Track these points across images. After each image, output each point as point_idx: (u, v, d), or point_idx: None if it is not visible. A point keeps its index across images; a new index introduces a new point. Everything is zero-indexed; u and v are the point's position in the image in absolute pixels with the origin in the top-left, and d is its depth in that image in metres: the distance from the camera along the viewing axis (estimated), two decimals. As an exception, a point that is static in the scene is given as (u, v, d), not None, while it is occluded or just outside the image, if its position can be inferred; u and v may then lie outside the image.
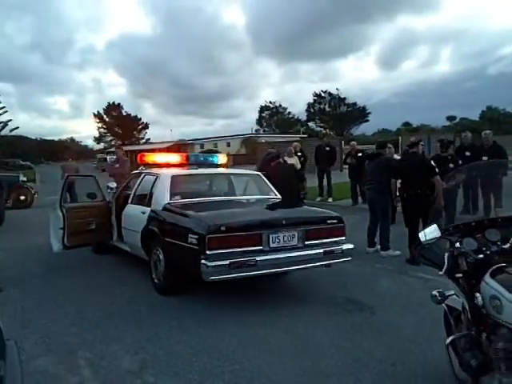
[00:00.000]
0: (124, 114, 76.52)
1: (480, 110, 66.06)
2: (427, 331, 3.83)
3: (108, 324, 4.27)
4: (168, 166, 6.45)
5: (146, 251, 5.41)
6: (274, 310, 4.54)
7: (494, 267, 2.46)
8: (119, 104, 77.50)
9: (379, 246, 6.85)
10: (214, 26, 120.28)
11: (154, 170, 6.13)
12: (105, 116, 76.22)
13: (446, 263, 2.49)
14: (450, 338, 2.71)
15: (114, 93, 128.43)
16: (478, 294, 2.45)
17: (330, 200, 12.32)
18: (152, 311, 4.60)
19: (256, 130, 70.01)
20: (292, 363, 3.43)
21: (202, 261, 4.24)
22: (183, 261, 4.74)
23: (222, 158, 6.92)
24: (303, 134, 54.23)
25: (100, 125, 76.20)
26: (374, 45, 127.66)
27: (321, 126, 71.28)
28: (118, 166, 9.99)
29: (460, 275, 2.55)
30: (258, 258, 4.41)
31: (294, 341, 3.83)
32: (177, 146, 44.92)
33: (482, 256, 2.51)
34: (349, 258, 5.08)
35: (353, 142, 12.84)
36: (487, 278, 2.42)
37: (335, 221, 5.05)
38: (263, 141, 37.01)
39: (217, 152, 27.69)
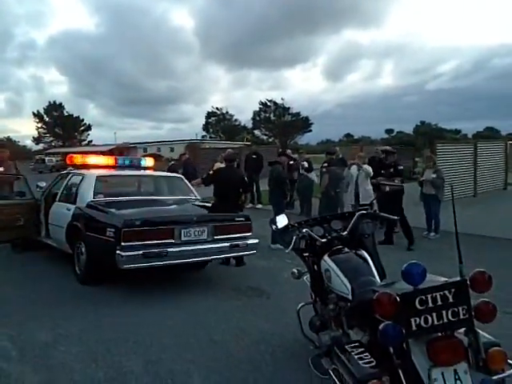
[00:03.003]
0: (66, 114, 74.02)
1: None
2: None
3: (29, 308, 4.73)
4: (97, 167, 6.89)
5: (70, 245, 5.86)
6: (184, 296, 5.17)
7: (333, 249, 3.23)
8: (61, 104, 74.78)
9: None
10: (161, 28, 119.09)
11: (81, 171, 6.55)
12: (45, 116, 73.27)
13: (292, 243, 3.23)
14: (299, 306, 3.48)
15: (55, 91, 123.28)
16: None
17: (260, 206, 13.09)
18: (71, 297, 5.09)
19: (203, 136, 70.53)
20: (187, 335, 4.07)
21: (117, 251, 4.80)
22: (102, 252, 5.26)
23: (148, 162, 7.46)
24: (247, 141, 55.25)
25: (39, 125, 73.11)
26: (321, 56, 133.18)
27: (266, 135, 72.83)
28: (1, 169, 8.35)
29: (307, 254, 3.31)
30: (169, 250, 5.03)
31: (194, 319, 4.47)
32: (119, 149, 44.39)
33: (325, 240, 3.27)
34: (253, 252, 5.80)
35: (288, 151, 13.83)
36: (325, 256, 3.19)
37: (242, 219, 5.77)
38: (207, 146, 37.50)
39: (159, 156, 28.17)
